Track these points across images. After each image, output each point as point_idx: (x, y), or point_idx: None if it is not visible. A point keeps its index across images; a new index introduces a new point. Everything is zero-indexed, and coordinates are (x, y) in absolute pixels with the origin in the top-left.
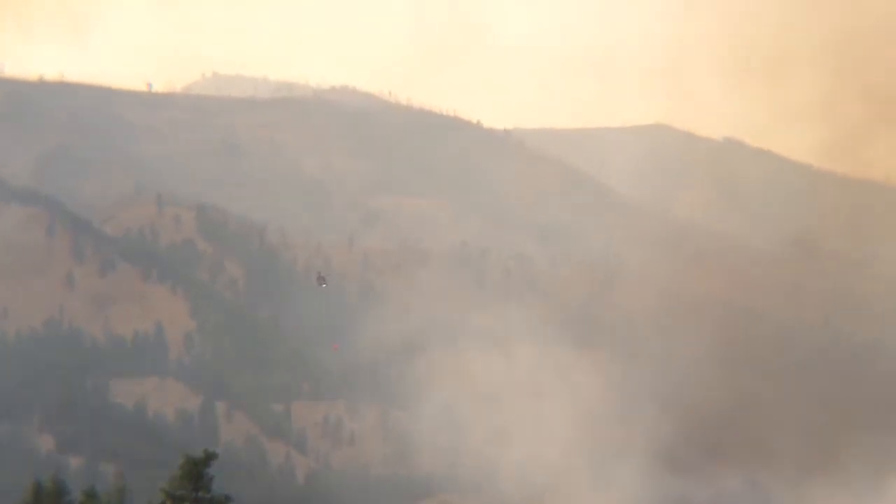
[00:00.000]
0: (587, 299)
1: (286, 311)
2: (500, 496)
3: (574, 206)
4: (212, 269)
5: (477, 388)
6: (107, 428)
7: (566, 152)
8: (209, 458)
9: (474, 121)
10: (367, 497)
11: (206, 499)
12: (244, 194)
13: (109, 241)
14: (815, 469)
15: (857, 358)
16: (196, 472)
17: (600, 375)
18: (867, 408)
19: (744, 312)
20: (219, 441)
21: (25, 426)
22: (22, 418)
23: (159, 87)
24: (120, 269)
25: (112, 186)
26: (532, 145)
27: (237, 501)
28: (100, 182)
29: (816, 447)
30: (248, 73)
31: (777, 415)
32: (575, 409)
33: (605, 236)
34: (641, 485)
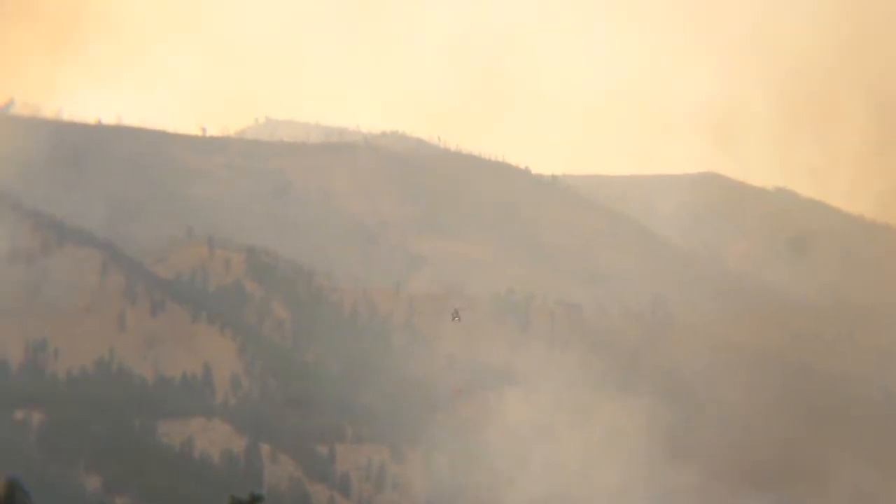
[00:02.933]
0: (634, 347)
1: (331, 354)
2: None
3: (621, 254)
4: (259, 311)
5: (521, 434)
6: (153, 468)
7: (614, 199)
8: (256, 500)
9: (522, 166)
10: None
11: None
12: (293, 238)
13: (161, 283)
14: None
15: None
16: None
17: (647, 423)
18: None
19: (793, 364)
20: (263, 483)
21: (73, 466)
22: (70, 458)
23: (214, 131)
24: (170, 310)
25: (165, 229)
26: (580, 192)
27: None
28: (153, 224)
29: (864, 501)
30: (301, 119)
31: (824, 468)
32: (621, 456)
33: (653, 284)
34: None
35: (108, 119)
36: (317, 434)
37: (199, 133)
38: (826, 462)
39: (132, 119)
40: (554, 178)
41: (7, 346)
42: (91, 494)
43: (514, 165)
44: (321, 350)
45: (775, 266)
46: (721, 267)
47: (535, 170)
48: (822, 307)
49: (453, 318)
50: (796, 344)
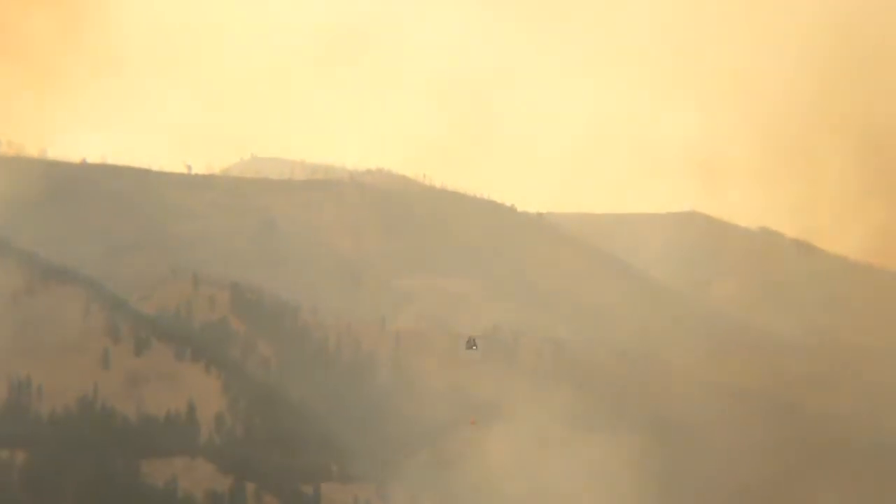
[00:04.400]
0: (620, 385)
1: (317, 392)
2: None
3: (607, 291)
4: (244, 348)
5: (508, 472)
6: None
7: (599, 237)
8: None
9: (508, 204)
10: None
11: None
12: (279, 274)
13: (145, 320)
14: None
15: (890, 454)
16: None
17: (633, 461)
18: None
19: (779, 403)
20: None
21: None
22: (53, 498)
23: (199, 169)
24: (154, 347)
25: (149, 266)
26: (565, 229)
27: None
28: (137, 262)
29: None
30: (286, 156)
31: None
32: (607, 494)
33: (640, 323)
34: None
35: (93, 158)
36: (302, 473)
37: (185, 171)
38: (814, 497)
39: (117, 158)
40: (539, 215)
41: None
42: None
43: (500, 203)
44: (306, 387)
45: (760, 306)
46: (706, 306)
47: (520, 207)
48: (807, 347)
49: (469, 347)
50: (781, 383)
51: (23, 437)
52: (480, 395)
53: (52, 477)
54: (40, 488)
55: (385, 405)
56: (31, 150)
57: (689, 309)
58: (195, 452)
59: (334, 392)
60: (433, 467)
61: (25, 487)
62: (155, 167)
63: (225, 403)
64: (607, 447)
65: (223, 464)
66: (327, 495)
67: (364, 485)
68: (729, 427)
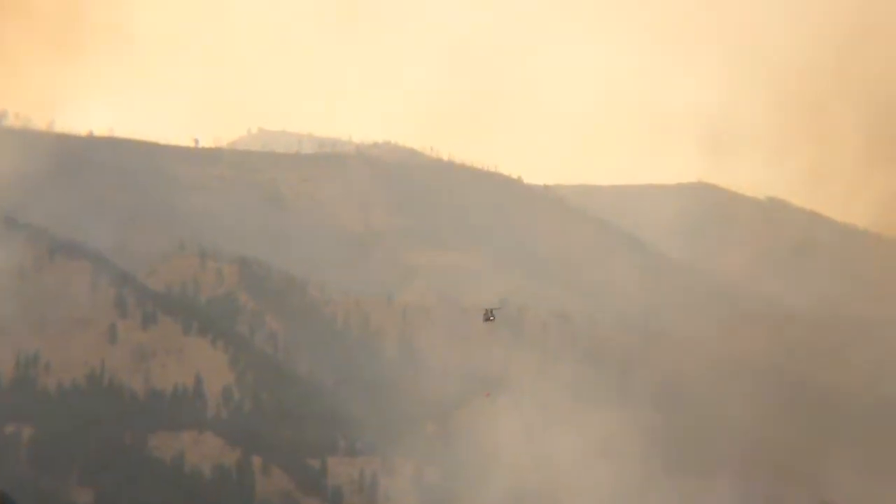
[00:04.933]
0: (627, 357)
1: (324, 366)
2: None
3: (613, 264)
4: (252, 323)
5: (515, 445)
6: (144, 482)
7: (606, 209)
8: None
9: (515, 176)
10: None
11: None
12: (286, 249)
13: (152, 295)
14: None
15: None
16: None
17: (640, 433)
18: None
19: (785, 374)
20: (255, 496)
21: (64, 480)
22: (61, 472)
23: (206, 142)
24: (161, 322)
25: (157, 241)
26: (572, 202)
27: None
28: (145, 236)
29: None
30: (293, 129)
31: (820, 476)
32: (614, 466)
33: (645, 295)
34: None
35: (100, 131)
36: (309, 447)
37: (192, 145)
38: (822, 469)
39: (124, 131)
40: (546, 187)
41: None
42: None
43: (507, 175)
44: (314, 362)
45: (768, 276)
46: (714, 277)
47: (527, 180)
48: (816, 318)
49: (487, 319)
50: (790, 354)
51: (30, 412)
52: (487, 368)
53: (60, 451)
54: (48, 463)
55: (392, 379)
56: (39, 122)
57: (697, 281)
58: (203, 426)
59: (342, 366)
60: (439, 441)
61: (33, 462)
62: (162, 141)
63: (232, 378)
64: (613, 420)
65: (231, 437)
66: (334, 468)
67: (370, 458)
68: (737, 399)
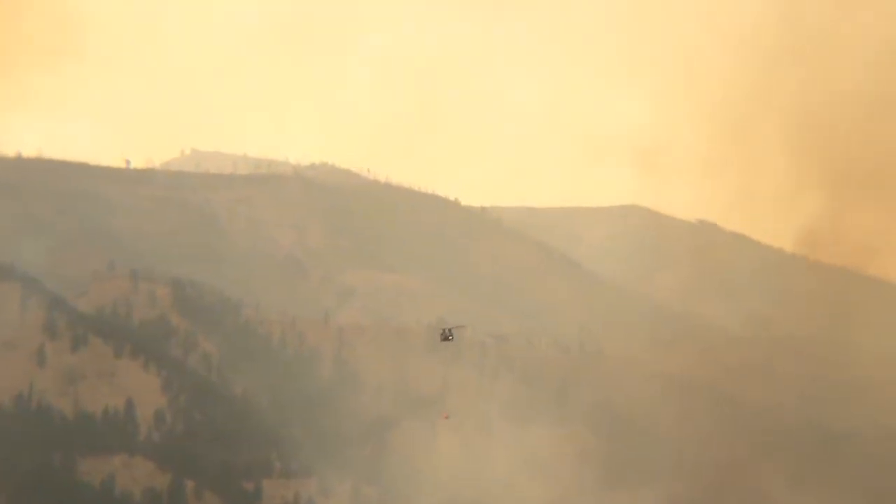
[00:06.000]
0: (563, 378)
1: (259, 387)
2: None
3: (550, 285)
4: (185, 344)
5: (451, 465)
6: None
7: (543, 231)
8: None
9: (452, 198)
10: None
11: None
12: (221, 270)
13: (82, 317)
14: None
15: (829, 442)
16: None
17: (576, 453)
18: (836, 492)
19: (720, 394)
20: None
21: None
22: None
23: (138, 163)
24: (92, 344)
25: (87, 262)
26: (509, 223)
27: None
28: (75, 258)
29: None
30: (228, 150)
31: (753, 495)
32: (551, 488)
33: (582, 316)
34: None
35: (29, 152)
36: (243, 469)
37: (123, 165)
38: (755, 489)
39: (53, 151)
40: (483, 209)
41: None
42: None
43: (444, 197)
44: (248, 383)
45: (700, 298)
46: (647, 298)
47: (464, 201)
48: (746, 338)
49: (445, 338)
50: (722, 373)
51: None
52: (424, 389)
53: None
54: None
55: (328, 400)
56: None
57: (631, 301)
58: (133, 450)
59: (277, 387)
60: (376, 461)
61: None
62: (92, 161)
63: (165, 400)
64: (550, 439)
65: (162, 461)
66: (269, 491)
67: (306, 480)
68: (670, 417)
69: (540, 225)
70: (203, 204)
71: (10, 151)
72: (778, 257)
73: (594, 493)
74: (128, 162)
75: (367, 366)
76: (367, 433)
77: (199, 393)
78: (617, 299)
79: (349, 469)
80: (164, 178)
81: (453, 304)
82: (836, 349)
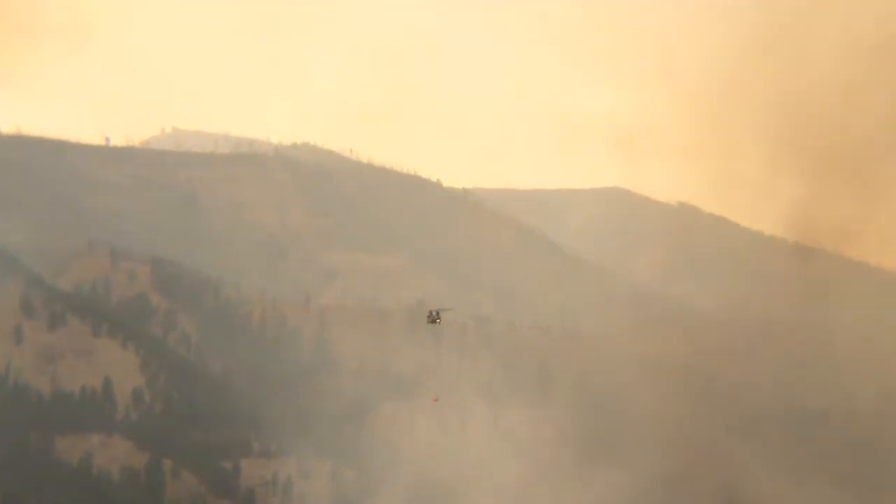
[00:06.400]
0: (544, 359)
1: (239, 367)
2: None
3: (531, 267)
4: (164, 324)
5: (431, 447)
6: (50, 485)
7: (525, 213)
8: None
9: (434, 179)
10: None
11: None
12: (201, 250)
13: (60, 296)
14: None
15: (805, 423)
16: None
17: (557, 435)
18: (813, 473)
19: (695, 373)
20: (165, 499)
21: None
22: None
23: (118, 141)
24: (70, 323)
25: (65, 241)
26: (491, 205)
27: None
28: (53, 236)
29: None
30: (209, 129)
31: (730, 477)
32: (531, 469)
33: (562, 298)
34: None
35: (7, 128)
36: (222, 449)
37: (103, 143)
38: (732, 469)
39: (32, 128)
40: (465, 191)
41: None
42: None
43: (426, 178)
44: (228, 363)
45: (679, 279)
46: (627, 280)
47: (446, 183)
48: (725, 320)
49: (432, 321)
50: (701, 355)
51: None
52: (404, 370)
53: None
54: None
55: (308, 380)
56: None
57: (611, 283)
58: (111, 429)
59: (257, 367)
60: (355, 442)
61: None
62: (72, 139)
63: (143, 379)
64: (529, 420)
65: (140, 440)
66: (247, 471)
67: (285, 460)
68: (649, 398)
69: (521, 207)
70: (183, 183)
71: None
72: (757, 240)
73: (572, 473)
74: (107, 139)
75: (348, 347)
76: (347, 414)
77: (178, 372)
78: (597, 281)
79: (328, 449)
80: (144, 156)
81: (434, 286)
82: (814, 331)
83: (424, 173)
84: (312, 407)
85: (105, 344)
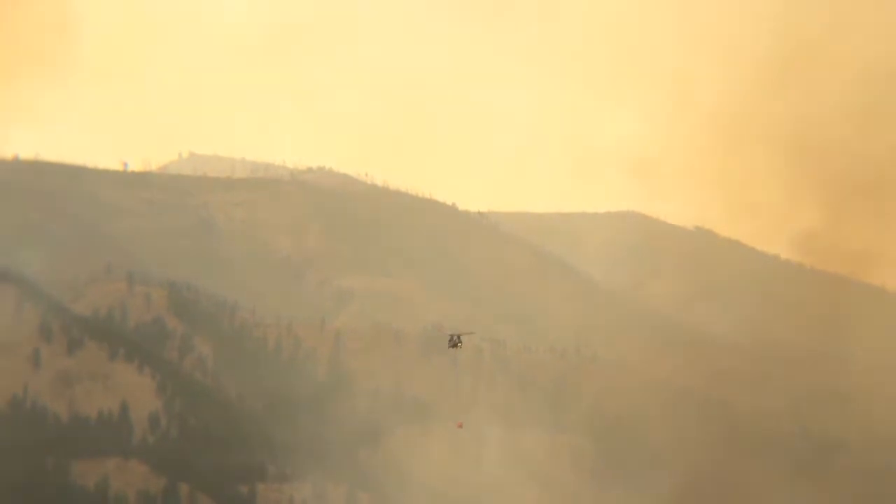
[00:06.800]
0: (558, 383)
1: (254, 390)
2: None
3: (547, 291)
4: (181, 347)
5: (446, 470)
6: None
7: (540, 236)
8: None
9: (449, 203)
10: None
11: None
12: (217, 273)
13: (78, 320)
14: None
15: (821, 450)
16: None
17: (572, 458)
18: (826, 500)
19: (714, 400)
20: None
21: None
22: None
23: (135, 166)
24: (87, 347)
25: (84, 265)
26: (506, 229)
27: None
28: (71, 261)
29: None
30: (226, 154)
31: (739, 502)
32: (546, 493)
33: (578, 322)
34: None
35: (26, 154)
36: (238, 473)
37: (120, 168)
38: (746, 495)
39: (50, 154)
40: (480, 214)
41: None
42: None
43: (441, 202)
44: (244, 386)
45: (695, 304)
46: (643, 304)
47: (461, 206)
48: (740, 345)
49: (453, 345)
50: (716, 381)
51: None
52: (420, 394)
53: None
54: None
55: (324, 404)
56: None
57: (627, 307)
58: (128, 453)
59: (273, 391)
60: (371, 467)
61: None
62: (90, 164)
63: (160, 403)
64: (544, 444)
65: (157, 464)
66: (263, 495)
67: (300, 484)
68: (664, 423)
69: (537, 230)
70: (200, 207)
71: (8, 154)
72: (773, 264)
73: (587, 496)
74: (125, 165)
75: (363, 370)
76: (362, 437)
77: (194, 396)
78: (613, 305)
79: (344, 473)
80: (161, 180)
81: (450, 309)
82: (830, 357)
83: (440, 196)
84: (327, 430)
85: (122, 368)
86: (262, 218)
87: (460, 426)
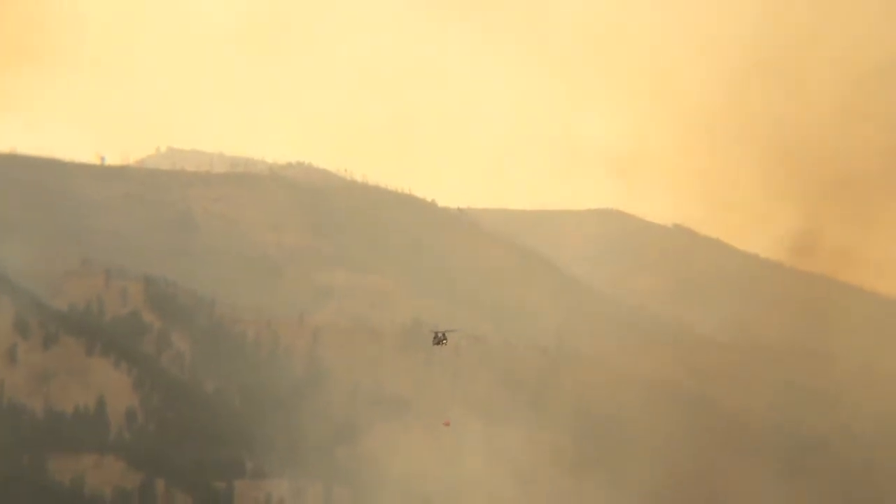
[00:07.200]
0: (540, 380)
1: (232, 387)
2: None
3: (526, 287)
4: (158, 342)
5: (425, 468)
6: None
7: (519, 233)
8: None
9: (429, 199)
10: None
11: None
12: (195, 268)
13: (54, 315)
14: None
15: (802, 447)
16: None
17: (552, 455)
18: (806, 498)
19: (694, 397)
20: None
21: None
22: None
23: (113, 160)
24: (63, 342)
25: (60, 260)
26: (485, 225)
27: None
28: (48, 255)
29: None
30: (204, 148)
31: (723, 498)
32: (526, 490)
33: (557, 318)
34: None
35: (3, 148)
36: (215, 469)
37: (98, 162)
38: (726, 492)
39: (27, 148)
40: (460, 211)
41: None
42: None
43: (421, 198)
44: (222, 382)
45: (675, 301)
46: (623, 301)
47: (441, 203)
48: (720, 342)
49: (438, 342)
50: (696, 377)
51: None
52: (398, 390)
53: None
54: None
55: (302, 400)
56: None
57: (608, 304)
58: (105, 449)
59: (250, 386)
60: (349, 463)
61: None
62: (67, 158)
63: (137, 399)
64: (526, 442)
65: (133, 460)
66: (241, 491)
67: (278, 481)
68: (646, 420)
69: (517, 227)
70: (178, 202)
71: None
72: (753, 263)
73: (567, 492)
74: (102, 159)
75: (342, 366)
76: (340, 434)
77: (172, 392)
78: (593, 302)
79: (321, 470)
80: (139, 175)
81: (429, 305)
82: (810, 355)
83: (419, 192)
84: (306, 426)
85: (98, 363)
86: (240, 213)
87: (447, 424)
